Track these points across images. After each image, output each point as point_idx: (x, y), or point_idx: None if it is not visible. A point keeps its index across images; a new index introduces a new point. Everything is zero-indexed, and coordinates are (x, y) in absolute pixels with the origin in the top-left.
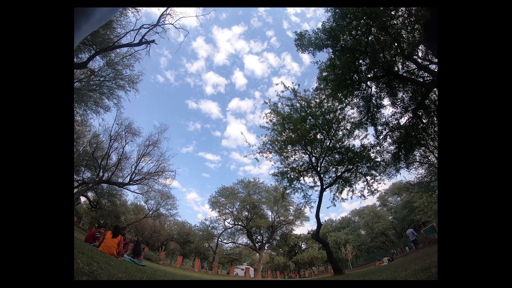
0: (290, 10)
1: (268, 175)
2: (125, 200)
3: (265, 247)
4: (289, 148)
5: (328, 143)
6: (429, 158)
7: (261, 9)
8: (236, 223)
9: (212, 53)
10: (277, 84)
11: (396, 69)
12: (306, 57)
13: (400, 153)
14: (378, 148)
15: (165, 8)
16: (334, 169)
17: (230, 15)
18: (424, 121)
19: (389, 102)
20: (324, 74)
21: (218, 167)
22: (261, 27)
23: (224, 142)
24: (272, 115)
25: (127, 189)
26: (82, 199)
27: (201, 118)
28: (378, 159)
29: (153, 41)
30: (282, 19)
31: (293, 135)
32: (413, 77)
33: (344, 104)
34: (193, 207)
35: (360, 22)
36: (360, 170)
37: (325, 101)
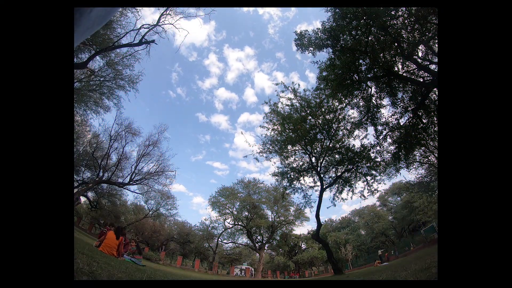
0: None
1: (268, 175)
2: (125, 200)
3: (265, 247)
4: (289, 148)
5: (328, 143)
6: (429, 158)
7: (271, 30)
8: (236, 223)
9: (224, 72)
10: (277, 84)
11: (396, 69)
12: (312, 76)
13: (400, 153)
14: (378, 148)
15: (165, 8)
16: (334, 169)
17: (243, 37)
18: (424, 121)
19: (389, 102)
20: (324, 74)
21: (226, 174)
22: (272, 49)
23: (232, 153)
24: (272, 115)
25: (127, 189)
26: (82, 199)
27: (211, 131)
28: (378, 159)
29: (153, 41)
30: (292, 40)
31: (293, 135)
32: (413, 77)
33: (344, 104)
34: (199, 211)
35: (360, 22)
36: (360, 170)
37: (325, 101)
